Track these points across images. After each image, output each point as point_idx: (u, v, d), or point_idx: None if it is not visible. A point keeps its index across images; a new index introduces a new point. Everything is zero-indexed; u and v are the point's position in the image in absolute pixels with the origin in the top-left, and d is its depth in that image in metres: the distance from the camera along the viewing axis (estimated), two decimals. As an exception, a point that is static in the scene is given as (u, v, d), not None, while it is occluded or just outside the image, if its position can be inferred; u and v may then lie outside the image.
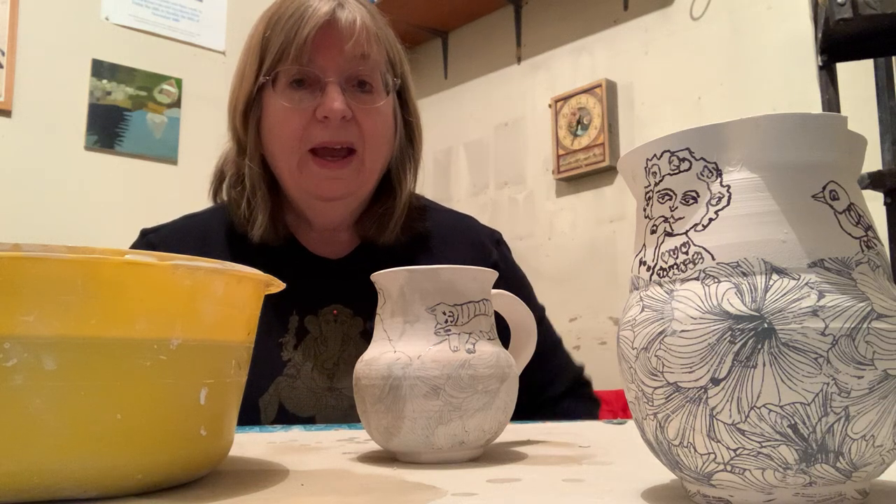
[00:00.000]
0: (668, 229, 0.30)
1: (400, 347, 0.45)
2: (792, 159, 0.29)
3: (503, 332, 0.51)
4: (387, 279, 0.48)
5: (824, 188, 0.28)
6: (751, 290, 0.27)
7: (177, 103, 2.65)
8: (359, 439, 0.58)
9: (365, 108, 0.82)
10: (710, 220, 0.29)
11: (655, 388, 0.29)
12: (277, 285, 0.43)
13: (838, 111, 1.40)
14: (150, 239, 0.88)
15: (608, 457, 0.46)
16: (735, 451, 0.27)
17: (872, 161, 1.45)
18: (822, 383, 0.26)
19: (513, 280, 0.92)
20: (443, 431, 0.44)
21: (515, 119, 2.75)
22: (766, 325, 0.26)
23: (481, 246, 0.94)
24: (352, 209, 0.88)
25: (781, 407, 0.26)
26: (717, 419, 0.27)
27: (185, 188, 2.30)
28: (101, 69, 2.50)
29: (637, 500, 0.32)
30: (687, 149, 0.30)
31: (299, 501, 0.33)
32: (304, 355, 0.82)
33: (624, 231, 2.35)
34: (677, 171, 0.30)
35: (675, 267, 0.29)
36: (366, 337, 0.83)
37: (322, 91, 0.80)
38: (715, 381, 0.27)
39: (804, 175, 0.28)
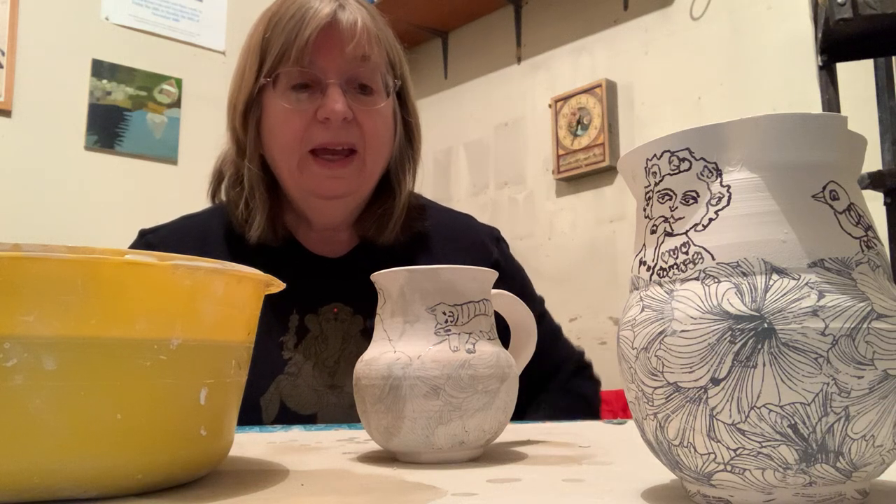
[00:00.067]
0: (668, 229, 0.30)
1: (400, 347, 0.45)
2: (792, 159, 0.29)
3: (503, 332, 0.51)
4: (387, 279, 0.48)
5: (824, 188, 0.28)
6: (751, 290, 0.27)
7: (177, 103, 2.65)
8: (359, 439, 0.58)
9: (366, 110, 0.82)
10: (710, 220, 0.29)
11: (655, 388, 0.29)
12: (277, 285, 0.43)
13: (838, 111, 1.40)
14: (149, 239, 0.88)
15: (608, 457, 0.46)
16: (735, 451, 0.27)
17: (872, 161, 1.45)
18: (822, 383, 0.26)
19: (513, 276, 0.93)
20: (443, 431, 0.44)
21: (515, 119, 2.75)
22: (766, 325, 0.26)
23: (481, 244, 0.94)
24: (351, 209, 0.88)
25: (781, 407, 0.26)
26: (717, 419, 0.27)
27: (185, 188, 2.30)
28: (101, 69, 2.50)
29: (637, 500, 0.32)
30: (687, 149, 0.30)
31: (299, 501, 0.33)
32: (305, 354, 0.82)
33: (624, 231, 2.35)
34: (677, 171, 0.30)
35: (675, 267, 0.29)
36: (366, 335, 0.83)
37: (323, 92, 0.80)
38: (715, 381, 0.27)
39: (804, 175, 0.28)
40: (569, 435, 0.58)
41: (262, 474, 0.41)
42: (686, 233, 0.29)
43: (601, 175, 2.44)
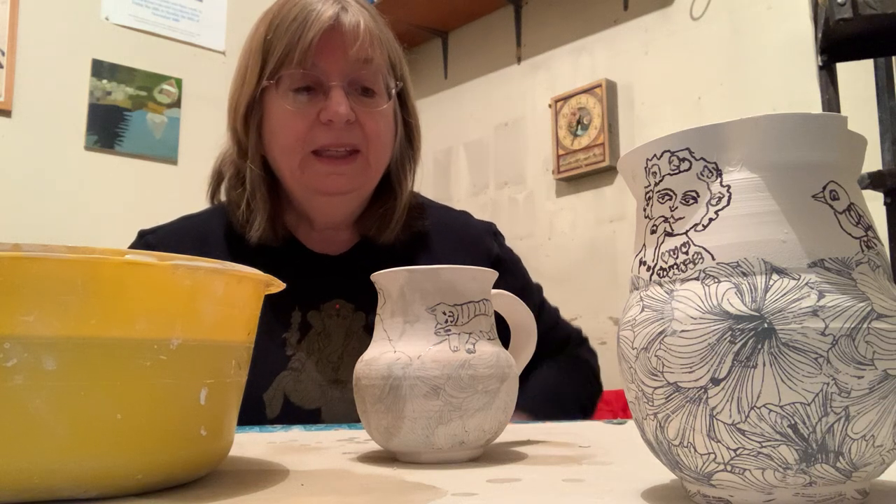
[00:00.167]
0: (668, 229, 0.30)
1: (400, 347, 0.45)
2: (792, 159, 0.29)
3: (503, 333, 0.51)
4: (387, 279, 0.48)
5: (824, 188, 0.28)
6: (751, 290, 0.27)
7: (177, 103, 2.65)
8: (359, 439, 0.58)
9: (368, 112, 0.82)
10: (710, 220, 0.29)
11: (655, 388, 0.29)
12: (277, 285, 0.43)
13: (838, 111, 1.40)
14: (149, 240, 0.88)
15: (608, 457, 0.46)
16: (735, 451, 0.27)
17: (872, 161, 1.45)
18: (822, 383, 0.26)
19: (515, 269, 0.97)
20: (443, 431, 0.44)
21: (515, 119, 2.75)
22: (766, 325, 0.26)
23: (481, 241, 0.96)
24: (353, 207, 0.88)
25: (781, 407, 0.26)
26: (717, 419, 0.27)
27: (185, 188, 2.30)
28: (101, 69, 2.50)
29: (637, 500, 0.32)
30: (687, 149, 0.30)
31: (299, 501, 0.33)
32: (308, 350, 0.82)
33: (624, 231, 2.35)
34: (677, 171, 0.30)
35: (675, 267, 0.30)
36: (369, 331, 0.83)
37: (325, 94, 0.80)
38: (715, 381, 0.27)
39: (804, 175, 0.28)
40: (569, 435, 0.58)
41: (262, 474, 0.41)
42: (686, 233, 0.29)
43: (601, 175, 2.44)
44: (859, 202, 0.29)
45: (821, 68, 1.43)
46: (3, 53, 2.32)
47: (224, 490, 0.36)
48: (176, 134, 2.63)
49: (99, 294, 0.32)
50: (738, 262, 0.28)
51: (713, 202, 0.29)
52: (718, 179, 0.29)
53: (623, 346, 0.31)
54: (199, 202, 0.97)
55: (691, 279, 0.29)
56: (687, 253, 0.29)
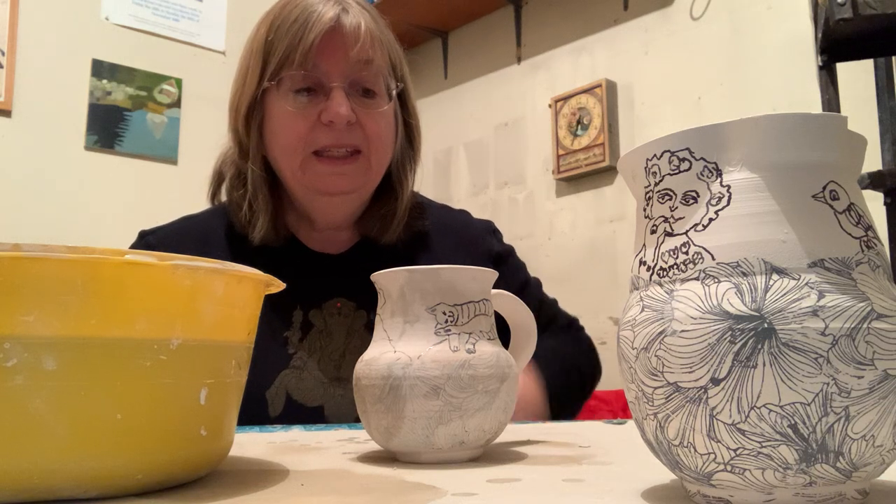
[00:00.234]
0: (668, 229, 0.30)
1: (400, 347, 0.45)
2: (792, 159, 0.29)
3: (503, 333, 0.51)
4: (387, 279, 0.48)
5: (824, 188, 0.28)
6: (751, 290, 0.27)
7: (177, 103, 2.65)
8: (359, 439, 0.58)
9: (369, 113, 0.83)
10: (710, 220, 0.29)
11: (655, 388, 0.29)
12: (277, 285, 0.43)
13: (838, 111, 1.40)
14: (149, 240, 0.88)
15: (608, 457, 0.46)
16: (735, 451, 0.27)
17: (872, 161, 1.45)
18: (822, 383, 0.26)
19: (515, 264, 0.98)
20: (443, 431, 0.44)
21: (515, 119, 2.75)
22: (766, 325, 0.26)
23: (481, 240, 0.97)
24: (354, 207, 0.89)
25: (781, 407, 0.26)
26: (717, 419, 0.27)
27: (185, 188, 2.30)
28: (101, 69, 2.50)
29: (637, 500, 0.32)
30: (687, 149, 0.30)
31: (299, 501, 0.33)
32: (310, 348, 0.83)
33: (624, 231, 2.35)
34: (677, 171, 0.30)
35: (675, 267, 0.30)
36: (370, 329, 0.83)
37: (326, 96, 0.81)
38: (715, 381, 0.27)
39: (804, 175, 0.28)
40: (569, 435, 0.58)
41: (262, 474, 0.41)
42: (686, 233, 0.29)
43: (601, 175, 2.44)
44: (859, 202, 0.29)
45: (821, 68, 1.43)
46: (3, 53, 2.32)
47: (224, 490, 0.36)
48: (176, 134, 2.63)
49: (99, 294, 0.32)
50: (738, 262, 0.28)
51: (713, 202, 0.29)
52: (718, 179, 0.29)
53: (623, 346, 0.31)
54: (199, 202, 0.97)
55: (691, 279, 0.29)
56: (687, 253, 0.29)
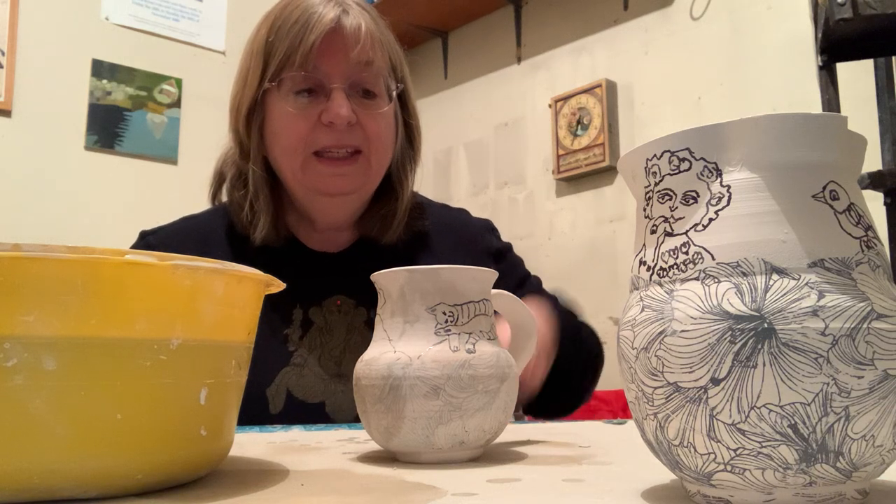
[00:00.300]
0: (668, 229, 0.30)
1: (400, 347, 0.45)
2: (792, 159, 0.29)
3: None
4: (387, 279, 0.48)
5: (824, 188, 0.28)
6: (751, 290, 0.27)
7: (177, 103, 2.65)
8: (359, 439, 0.58)
9: (369, 114, 0.83)
10: (710, 220, 0.29)
11: (655, 388, 0.29)
12: (277, 285, 0.43)
13: (838, 111, 1.40)
14: (150, 241, 0.88)
15: (608, 457, 0.46)
16: (735, 451, 0.27)
17: (872, 161, 1.45)
18: (822, 383, 0.26)
19: (516, 260, 0.98)
20: (443, 431, 0.44)
21: (515, 119, 2.75)
22: (766, 325, 0.26)
23: (480, 237, 0.97)
24: (355, 207, 0.89)
25: (781, 407, 0.26)
26: (717, 419, 0.27)
27: (185, 188, 2.30)
28: (101, 69, 2.50)
29: (637, 500, 0.32)
30: (687, 149, 0.30)
31: (299, 501, 0.33)
32: (311, 345, 0.83)
33: (624, 231, 2.35)
34: (677, 171, 0.30)
35: (675, 267, 0.30)
36: (370, 326, 0.84)
37: (327, 96, 0.81)
38: (715, 381, 0.27)
39: (804, 175, 0.28)
40: (569, 435, 0.58)
41: (262, 474, 0.41)
42: (686, 233, 0.29)
43: (601, 175, 2.44)
44: (859, 202, 0.29)
45: (821, 68, 1.43)
46: (3, 53, 2.32)
47: (224, 490, 0.36)
48: (176, 134, 2.63)
49: (99, 294, 0.32)
50: (738, 262, 0.28)
51: (713, 202, 0.29)
52: (718, 179, 0.29)
53: (623, 346, 0.31)
54: (199, 202, 0.97)
55: (691, 279, 0.29)
56: (687, 253, 0.29)
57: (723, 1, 2.18)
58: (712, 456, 0.28)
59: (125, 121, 2.53)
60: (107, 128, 2.49)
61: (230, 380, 0.39)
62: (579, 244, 2.46)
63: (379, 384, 0.45)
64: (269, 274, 0.41)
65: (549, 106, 2.59)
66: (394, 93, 0.86)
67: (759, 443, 0.27)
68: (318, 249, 0.90)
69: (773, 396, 0.26)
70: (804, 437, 0.26)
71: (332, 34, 0.80)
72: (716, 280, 0.28)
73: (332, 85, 0.81)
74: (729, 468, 0.28)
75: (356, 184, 0.84)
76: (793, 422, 0.26)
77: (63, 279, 0.31)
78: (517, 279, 0.94)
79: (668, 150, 0.30)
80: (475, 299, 0.47)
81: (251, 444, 0.55)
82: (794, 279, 0.27)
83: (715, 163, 0.29)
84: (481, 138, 2.86)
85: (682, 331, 0.28)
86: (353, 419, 0.81)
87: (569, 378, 0.84)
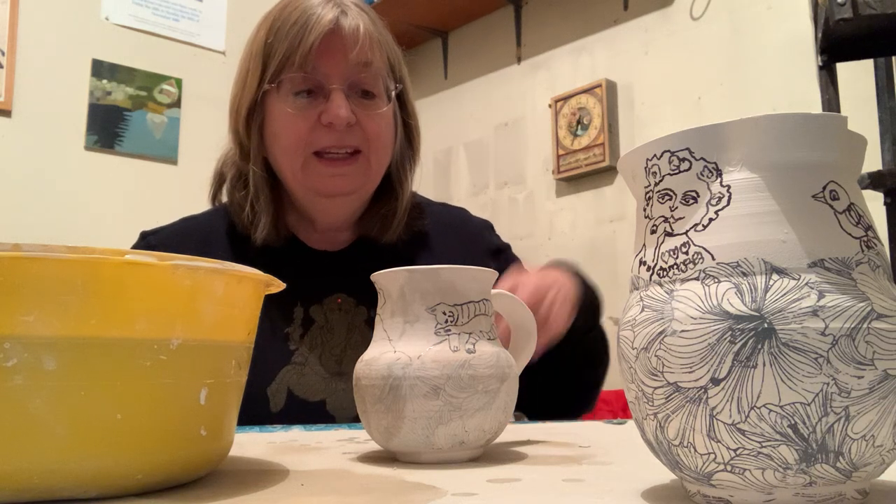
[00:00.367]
0: (668, 229, 0.30)
1: (400, 347, 0.45)
2: (792, 159, 0.29)
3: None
4: (387, 279, 0.48)
5: (824, 188, 0.28)
6: (751, 290, 0.27)
7: (177, 103, 2.65)
8: (359, 439, 0.58)
9: (368, 114, 0.83)
10: (710, 220, 0.29)
11: (655, 388, 0.29)
12: (277, 285, 0.43)
13: (838, 111, 1.40)
14: (151, 241, 0.89)
15: (608, 457, 0.46)
16: (735, 451, 0.27)
17: (872, 161, 1.45)
18: (822, 383, 0.26)
19: (514, 256, 0.99)
20: (443, 431, 0.44)
21: (515, 119, 2.75)
22: (766, 325, 0.26)
23: (480, 236, 0.98)
24: (355, 208, 0.89)
25: (781, 407, 0.26)
26: (717, 419, 0.27)
27: (185, 188, 2.30)
28: (101, 69, 2.50)
29: (637, 500, 0.32)
30: (687, 149, 0.30)
31: (299, 501, 0.33)
32: (311, 344, 0.84)
33: (624, 231, 2.35)
34: (677, 171, 0.30)
35: (675, 267, 0.30)
36: (370, 325, 0.84)
37: (326, 97, 0.81)
38: (715, 381, 0.27)
39: (804, 175, 0.28)
40: (569, 435, 0.58)
41: (262, 474, 0.41)
42: (686, 233, 0.29)
43: (601, 175, 2.44)
44: (859, 202, 0.29)
45: (821, 68, 1.43)
46: (3, 53, 2.32)
47: (224, 490, 0.36)
48: (176, 134, 2.63)
49: (99, 294, 0.32)
50: (738, 262, 0.28)
51: (713, 202, 0.29)
52: (718, 179, 0.29)
53: (623, 346, 0.31)
54: (199, 202, 0.97)
55: (691, 279, 0.29)
56: (687, 253, 0.29)
57: (723, 1, 2.18)
58: (712, 456, 0.28)
59: (125, 121, 2.53)
60: (107, 128, 2.49)
61: (230, 380, 0.39)
62: (579, 244, 2.46)
63: (379, 384, 0.45)
64: (269, 273, 0.41)
65: (549, 106, 2.59)
66: (392, 93, 0.86)
67: (759, 443, 0.27)
68: (319, 248, 0.90)
69: (773, 396, 0.26)
70: (804, 437, 0.26)
71: (331, 35, 0.80)
72: (716, 280, 0.28)
73: (331, 86, 0.81)
74: (729, 468, 0.28)
75: (356, 184, 0.85)
76: (793, 422, 0.26)
77: (63, 279, 0.31)
78: None
79: (668, 150, 0.30)
80: (475, 299, 0.47)
81: (251, 444, 0.55)
82: (794, 279, 0.27)
83: (715, 163, 0.29)
84: (481, 138, 2.86)
85: (682, 331, 0.28)
86: (353, 417, 0.81)
87: (584, 359, 0.82)
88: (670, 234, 0.30)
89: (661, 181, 0.31)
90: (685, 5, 2.27)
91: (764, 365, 0.26)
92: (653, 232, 0.31)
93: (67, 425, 0.32)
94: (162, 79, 2.62)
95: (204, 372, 0.36)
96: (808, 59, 1.88)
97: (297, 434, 0.63)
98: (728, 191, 0.29)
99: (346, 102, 0.81)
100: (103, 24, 2.53)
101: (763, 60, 2.06)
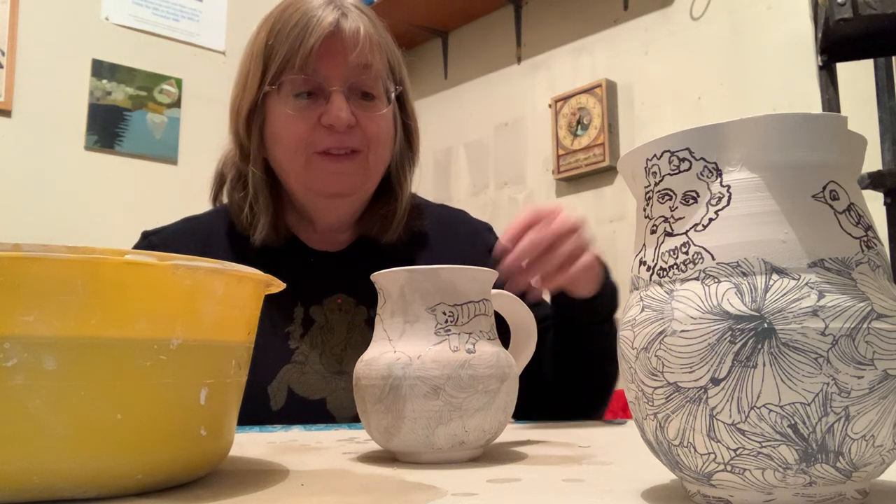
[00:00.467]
0: (668, 229, 0.30)
1: (400, 347, 0.45)
2: (792, 159, 0.29)
3: (503, 333, 0.51)
4: (387, 279, 0.48)
5: (824, 188, 0.28)
6: (751, 290, 0.27)
7: (177, 103, 2.64)
8: (359, 439, 0.58)
9: (368, 115, 0.83)
10: (710, 220, 0.29)
11: (655, 388, 0.29)
12: (277, 285, 0.43)
13: (838, 111, 1.40)
14: (152, 241, 0.89)
15: (608, 457, 0.46)
16: (735, 451, 0.27)
17: (872, 161, 1.45)
18: (822, 383, 0.26)
19: None
20: (443, 431, 0.44)
21: (515, 119, 2.75)
22: (766, 325, 0.26)
23: (479, 236, 0.98)
24: (355, 208, 0.90)
25: (781, 407, 0.26)
26: (717, 419, 0.27)
27: (185, 188, 2.30)
28: (101, 69, 2.50)
29: (637, 500, 0.32)
30: (687, 149, 0.30)
31: (299, 501, 0.33)
32: (312, 343, 0.84)
33: (624, 231, 2.35)
34: (677, 171, 0.30)
35: (675, 267, 0.29)
36: (371, 324, 0.84)
37: (326, 99, 0.82)
38: (715, 381, 0.27)
39: (804, 175, 0.28)
40: (569, 435, 0.58)
41: (262, 474, 0.41)
42: (686, 233, 0.29)
43: (601, 175, 2.44)
44: (859, 202, 0.29)
45: (821, 68, 1.43)
46: (3, 53, 2.32)
47: (224, 490, 0.36)
48: (176, 134, 2.63)
49: (99, 294, 0.32)
50: (738, 262, 0.28)
51: (713, 202, 0.29)
52: (718, 179, 0.29)
53: (623, 346, 0.31)
54: (199, 202, 0.97)
55: (691, 279, 0.29)
56: (687, 253, 0.29)
57: (723, 1, 2.18)
58: (712, 456, 0.28)
59: (125, 121, 2.53)
60: (107, 128, 2.49)
61: (230, 380, 0.39)
62: (579, 244, 2.46)
63: (379, 384, 0.45)
64: (270, 273, 0.41)
65: (549, 106, 2.58)
66: (392, 95, 0.87)
67: (759, 443, 0.27)
68: (319, 249, 0.90)
69: (773, 396, 0.26)
70: (804, 437, 0.26)
71: (331, 37, 0.81)
72: (716, 280, 0.28)
73: (331, 88, 0.81)
74: (729, 468, 0.28)
75: (355, 184, 0.85)
76: (793, 422, 0.26)
77: (63, 279, 0.31)
78: None
79: (668, 150, 0.30)
80: (475, 299, 0.47)
81: (251, 444, 0.55)
82: (794, 279, 0.27)
83: (715, 163, 0.29)
84: (481, 138, 2.86)
85: (682, 331, 0.28)
86: (353, 416, 0.82)
87: (601, 353, 0.81)
88: (670, 234, 0.30)
89: (661, 181, 0.31)
90: (685, 5, 2.27)
91: (764, 365, 0.26)
92: (653, 232, 0.31)
93: (67, 425, 0.32)
94: (162, 79, 2.62)
95: (204, 372, 0.36)
96: (808, 59, 1.87)
97: (297, 434, 0.63)
98: (728, 191, 0.29)
99: (347, 104, 0.81)
100: (103, 24, 2.53)
101: (763, 60, 2.06)
